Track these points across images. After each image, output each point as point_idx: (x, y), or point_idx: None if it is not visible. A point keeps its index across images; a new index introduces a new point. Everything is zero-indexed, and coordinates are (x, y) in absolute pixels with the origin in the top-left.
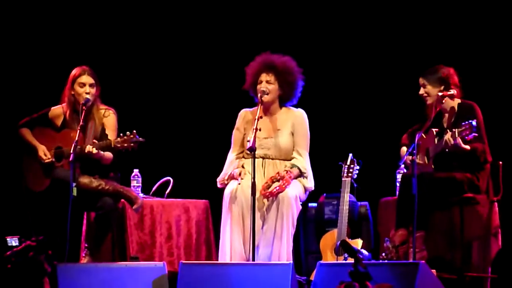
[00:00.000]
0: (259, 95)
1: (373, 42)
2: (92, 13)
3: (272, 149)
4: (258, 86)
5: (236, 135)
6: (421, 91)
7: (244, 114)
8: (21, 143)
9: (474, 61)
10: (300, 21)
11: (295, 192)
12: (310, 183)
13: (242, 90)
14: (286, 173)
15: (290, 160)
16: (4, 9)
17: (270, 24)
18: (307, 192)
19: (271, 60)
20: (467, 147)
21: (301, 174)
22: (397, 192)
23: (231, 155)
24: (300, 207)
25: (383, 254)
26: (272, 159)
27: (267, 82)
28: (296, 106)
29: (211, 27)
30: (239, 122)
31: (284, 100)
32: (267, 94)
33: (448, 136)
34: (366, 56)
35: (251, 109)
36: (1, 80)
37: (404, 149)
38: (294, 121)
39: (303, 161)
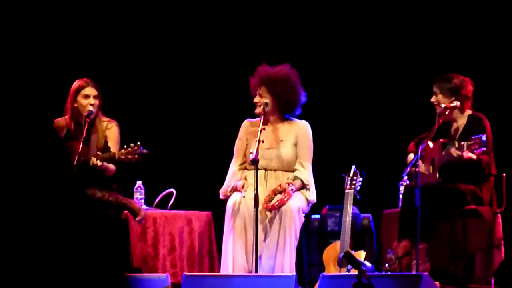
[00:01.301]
0: (259, 107)
1: (377, 52)
2: (93, 25)
3: (275, 160)
4: (254, 99)
5: (238, 146)
6: (433, 98)
7: (247, 124)
8: None
9: (482, 71)
10: (304, 31)
11: (297, 204)
12: (312, 195)
13: (244, 101)
14: (288, 185)
15: (293, 171)
16: (5, 21)
17: (272, 34)
18: (310, 204)
19: (261, 73)
20: (473, 156)
21: (303, 186)
22: (400, 204)
23: (234, 166)
24: (303, 219)
25: (386, 265)
26: (275, 170)
27: (259, 95)
28: (300, 117)
29: (214, 37)
30: (241, 132)
31: (284, 111)
32: (259, 106)
33: (453, 150)
34: (369, 66)
35: (253, 120)
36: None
37: (411, 156)
38: (298, 133)
39: (306, 173)
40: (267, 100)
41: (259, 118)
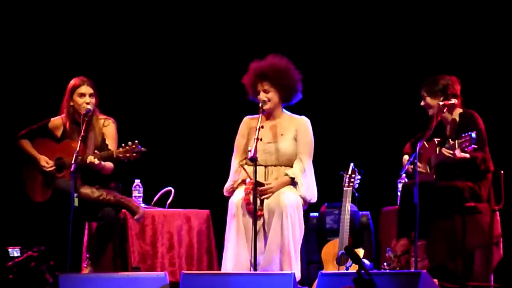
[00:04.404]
0: (260, 104)
1: (375, 51)
2: (90, 23)
3: (274, 154)
4: (259, 97)
5: (239, 142)
6: (422, 103)
7: (248, 121)
8: (21, 154)
9: (476, 69)
10: (303, 28)
11: (294, 201)
12: (302, 190)
13: (242, 100)
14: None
15: (292, 166)
16: (3, 20)
17: (272, 32)
18: (306, 204)
19: (261, 68)
20: (467, 155)
21: (292, 182)
22: (398, 202)
23: (235, 163)
24: (302, 215)
25: (385, 264)
26: (275, 165)
27: (264, 91)
28: (300, 114)
29: (211, 35)
30: (243, 129)
31: (286, 101)
32: (268, 101)
33: (445, 150)
34: (367, 65)
35: (253, 116)
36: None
37: (406, 157)
38: (298, 128)
39: (299, 168)
40: (272, 95)
41: (258, 115)
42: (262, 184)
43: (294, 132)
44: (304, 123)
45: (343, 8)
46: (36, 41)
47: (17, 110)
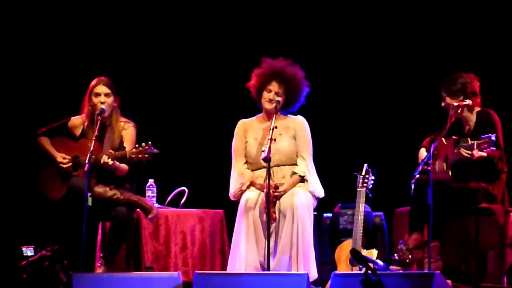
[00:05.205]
0: (273, 104)
1: (390, 51)
2: (114, 27)
3: (276, 154)
4: (267, 94)
5: (238, 146)
6: (443, 103)
7: (243, 124)
8: (39, 152)
9: (492, 67)
10: (314, 30)
11: (305, 201)
12: (311, 186)
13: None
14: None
15: (295, 164)
16: (26, 20)
17: (285, 36)
18: (316, 200)
19: (284, 72)
20: (484, 154)
21: (302, 179)
22: (411, 193)
23: (239, 167)
24: (312, 216)
25: (396, 256)
26: (277, 165)
27: (277, 94)
28: (313, 116)
29: (226, 39)
30: (239, 133)
31: (285, 108)
32: (271, 102)
33: (463, 151)
34: (382, 65)
35: (247, 120)
36: (22, 88)
37: (422, 150)
38: (296, 127)
39: (304, 166)
40: (283, 98)
41: (253, 118)
42: (276, 187)
43: (293, 132)
44: (301, 122)
45: (357, 6)
46: (61, 41)
47: (38, 107)
